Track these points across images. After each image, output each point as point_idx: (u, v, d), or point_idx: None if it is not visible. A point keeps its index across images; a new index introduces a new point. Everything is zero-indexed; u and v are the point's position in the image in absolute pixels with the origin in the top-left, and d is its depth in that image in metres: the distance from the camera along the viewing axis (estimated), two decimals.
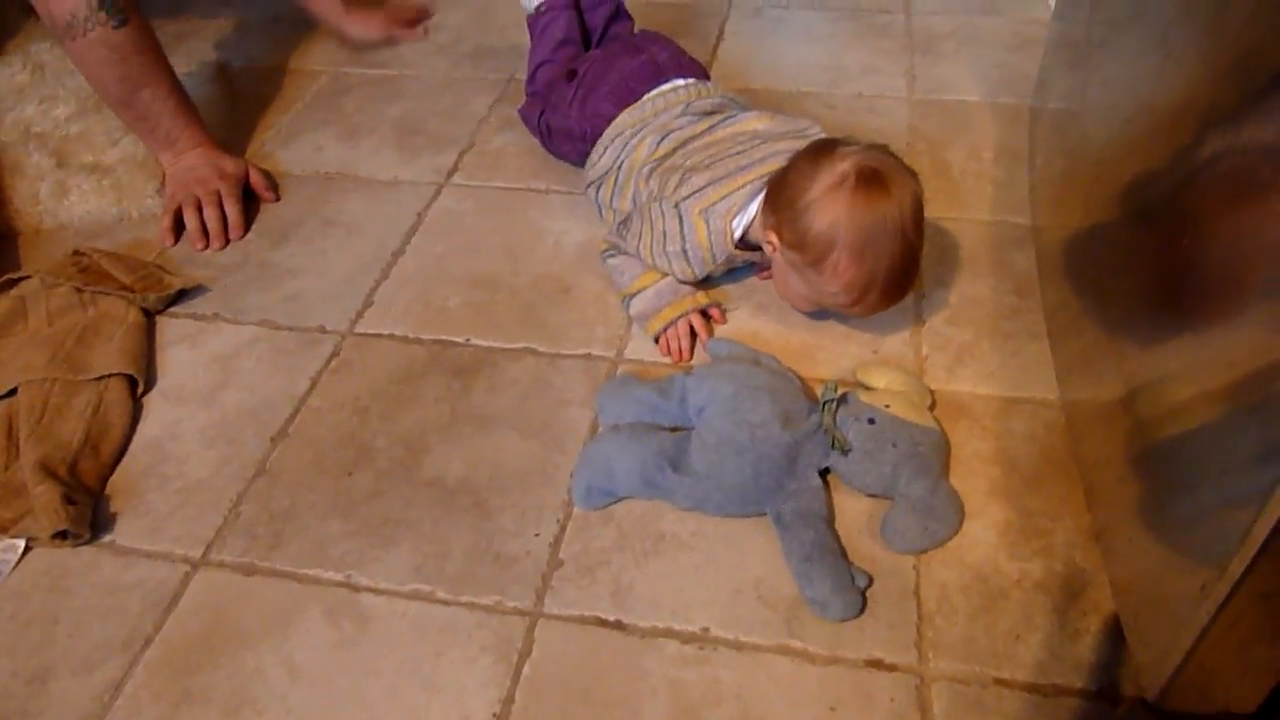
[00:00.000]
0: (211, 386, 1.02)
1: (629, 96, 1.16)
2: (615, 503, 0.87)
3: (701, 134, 1.09)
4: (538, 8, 1.32)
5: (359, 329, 1.08)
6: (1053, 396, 0.95)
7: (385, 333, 1.08)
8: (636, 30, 1.35)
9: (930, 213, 1.17)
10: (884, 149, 0.96)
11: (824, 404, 0.85)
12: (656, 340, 1.02)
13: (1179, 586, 0.63)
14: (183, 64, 1.50)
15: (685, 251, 1.01)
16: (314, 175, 1.34)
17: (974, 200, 1.21)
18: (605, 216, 1.17)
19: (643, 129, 1.13)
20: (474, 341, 1.06)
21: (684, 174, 1.04)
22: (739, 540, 0.83)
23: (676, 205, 1.01)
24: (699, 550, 0.83)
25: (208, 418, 0.99)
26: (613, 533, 0.85)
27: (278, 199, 1.28)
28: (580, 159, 1.23)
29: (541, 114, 1.26)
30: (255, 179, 1.27)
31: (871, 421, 0.85)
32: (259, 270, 1.17)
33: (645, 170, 1.09)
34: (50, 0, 1.09)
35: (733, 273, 1.10)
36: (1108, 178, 0.87)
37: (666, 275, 1.05)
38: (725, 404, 0.87)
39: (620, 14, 1.36)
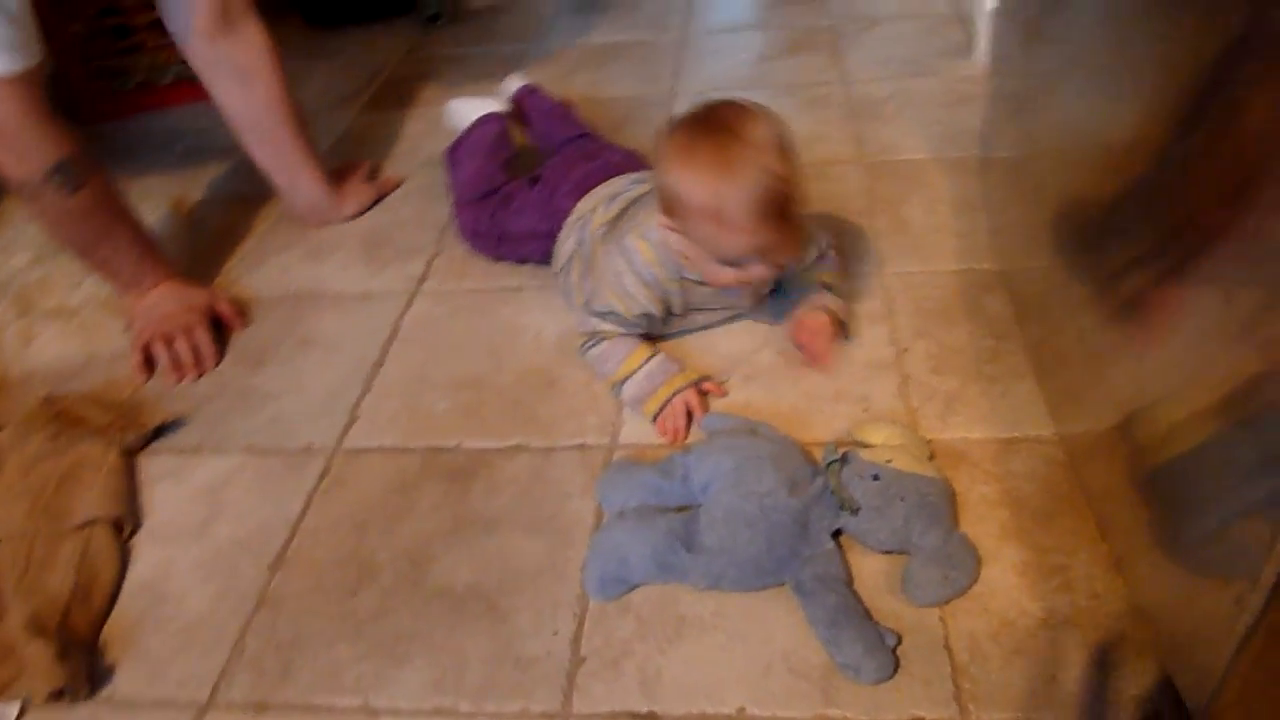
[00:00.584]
0: (201, 520, 1.00)
1: (587, 192, 1.19)
2: (630, 590, 0.85)
3: (647, 192, 1.12)
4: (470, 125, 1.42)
5: (347, 444, 1.07)
6: (1048, 432, 0.96)
7: (374, 445, 1.06)
8: (592, 142, 1.41)
9: (897, 267, 1.22)
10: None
11: (828, 465, 0.85)
12: (654, 420, 1.02)
13: (1211, 603, 0.63)
14: (143, 203, 1.51)
15: (640, 275, 1.03)
16: (284, 296, 1.34)
17: (938, 252, 1.24)
18: (576, 300, 1.18)
19: (596, 206, 1.16)
20: (465, 445, 1.05)
21: (628, 224, 1.08)
22: (761, 615, 0.82)
23: (618, 242, 1.06)
24: (722, 629, 0.81)
25: (200, 552, 0.96)
26: (632, 622, 0.83)
27: (245, 325, 1.28)
28: (543, 257, 1.25)
29: (492, 216, 1.28)
30: (222, 307, 1.27)
31: (876, 478, 0.85)
32: (238, 397, 1.16)
33: (600, 234, 1.13)
34: (2, 165, 1.09)
35: (716, 347, 1.11)
36: (1067, 215, 0.91)
37: (653, 356, 1.05)
38: (729, 477, 0.87)
39: (582, 136, 1.42)
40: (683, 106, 1.68)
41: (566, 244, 1.18)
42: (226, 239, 1.48)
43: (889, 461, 0.87)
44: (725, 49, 1.93)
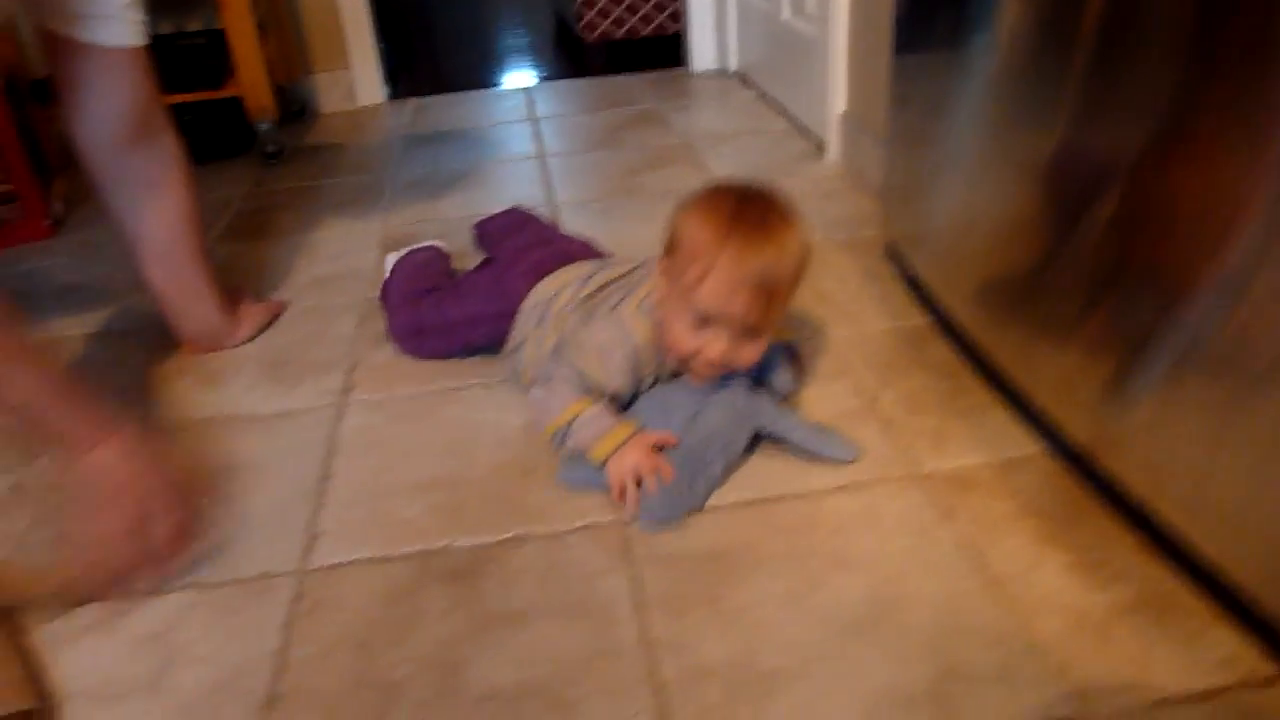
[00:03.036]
0: (153, 670, 0.83)
1: (543, 275, 1.17)
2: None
3: (626, 274, 1.12)
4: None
5: (315, 563, 0.94)
6: (1036, 450, 1.01)
7: (349, 559, 0.94)
8: (546, 228, 1.41)
9: (835, 332, 1.27)
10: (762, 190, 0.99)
11: None
12: (603, 465, 0.96)
13: None
14: None
15: (630, 357, 1.01)
16: (188, 425, 1.18)
17: (865, 315, 1.31)
18: (524, 379, 1.14)
19: (563, 288, 1.14)
20: (457, 544, 0.95)
21: (610, 300, 1.07)
22: (848, 652, 0.78)
23: (612, 311, 1.04)
24: (814, 675, 0.77)
25: (164, 708, 0.79)
26: (717, 687, 0.77)
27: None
28: (489, 341, 1.21)
29: (438, 307, 1.23)
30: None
31: None
32: None
33: (569, 308, 1.10)
34: None
35: None
36: (992, 265, 0.99)
37: (598, 404, 1.00)
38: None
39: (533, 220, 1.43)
40: (569, 215, 1.72)
41: (524, 325, 1.15)
42: (105, 376, 1.30)
43: None
44: (589, 166, 2.00)
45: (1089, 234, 0.86)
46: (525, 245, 1.26)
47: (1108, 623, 0.80)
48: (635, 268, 1.13)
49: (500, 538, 0.95)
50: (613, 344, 1.01)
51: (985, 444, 1.03)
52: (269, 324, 1.41)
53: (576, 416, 0.99)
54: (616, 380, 1.02)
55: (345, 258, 1.64)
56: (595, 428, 0.98)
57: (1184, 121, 0.74)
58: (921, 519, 0.93)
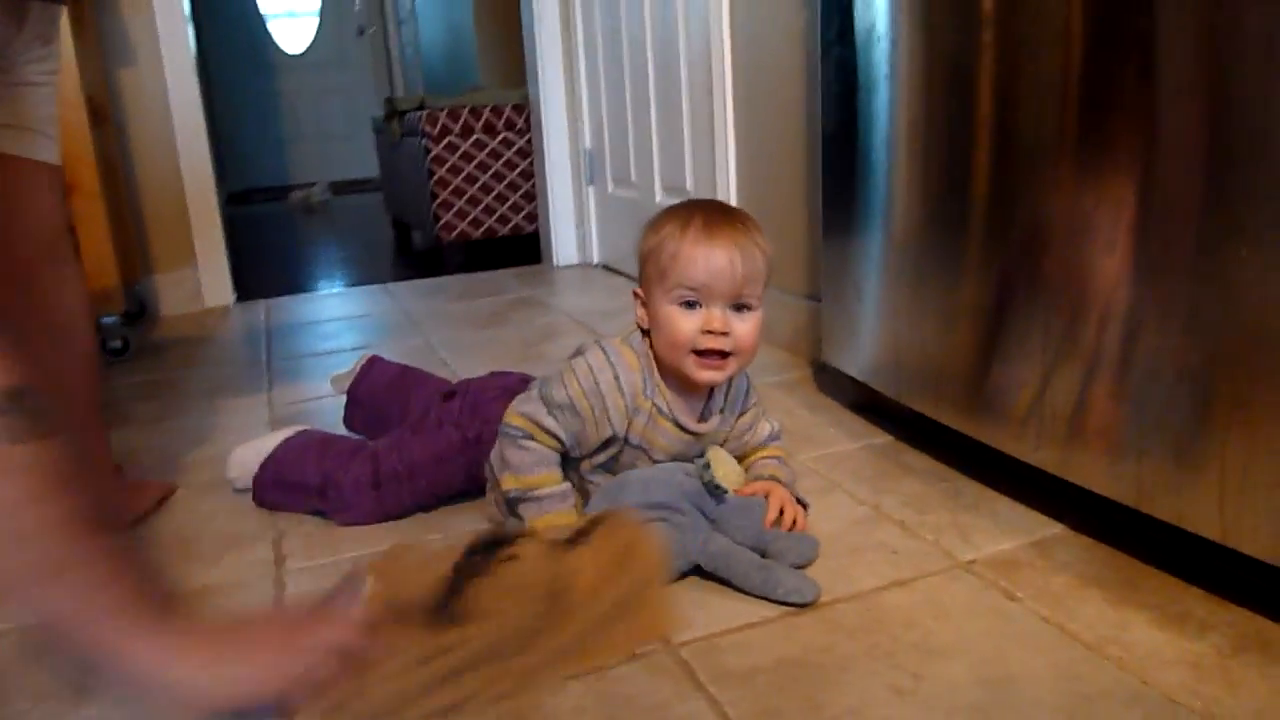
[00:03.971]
0: None
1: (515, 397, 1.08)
2: None
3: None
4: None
5: None
6: (1061, 528, 1.00)
7: None
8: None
9: (807, 454, 1.24)
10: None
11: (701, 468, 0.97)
12: None
13: None
14: None
15: (618, 379, 0.97)
16: None
17: (827, 438, 1.30)
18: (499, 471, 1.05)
19: None
20: (484, 694, 0.78)
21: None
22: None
23: (597, 343, 1.00)
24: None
25: None
26: None
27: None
28: (465, 479, 1.10)
29: (398, 451, 1.09)
30: None
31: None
32: None
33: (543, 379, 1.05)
34: None
35: None
36: (969, 366, 1.03)
37: (567, 484, 0.98)
38: (629, 501, 0.93)
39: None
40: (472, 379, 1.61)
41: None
42: None
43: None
44: (481, 344, 1.93)
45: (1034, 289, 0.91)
46: (486, 378, 1.16)
47: (1224, 667, 0.76)
48: None
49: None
50: (601, 367, 0.97)
51: (1010, 530, 1.01)
52: (159, 505, 1.20)
53: (536, 488, 0.97)
54: (606, 404, 0.97)
55: (234, 435, 1.44)
56: (540, 508, 0.97)
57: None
58: (987, 602, 0.88)
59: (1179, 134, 0.81)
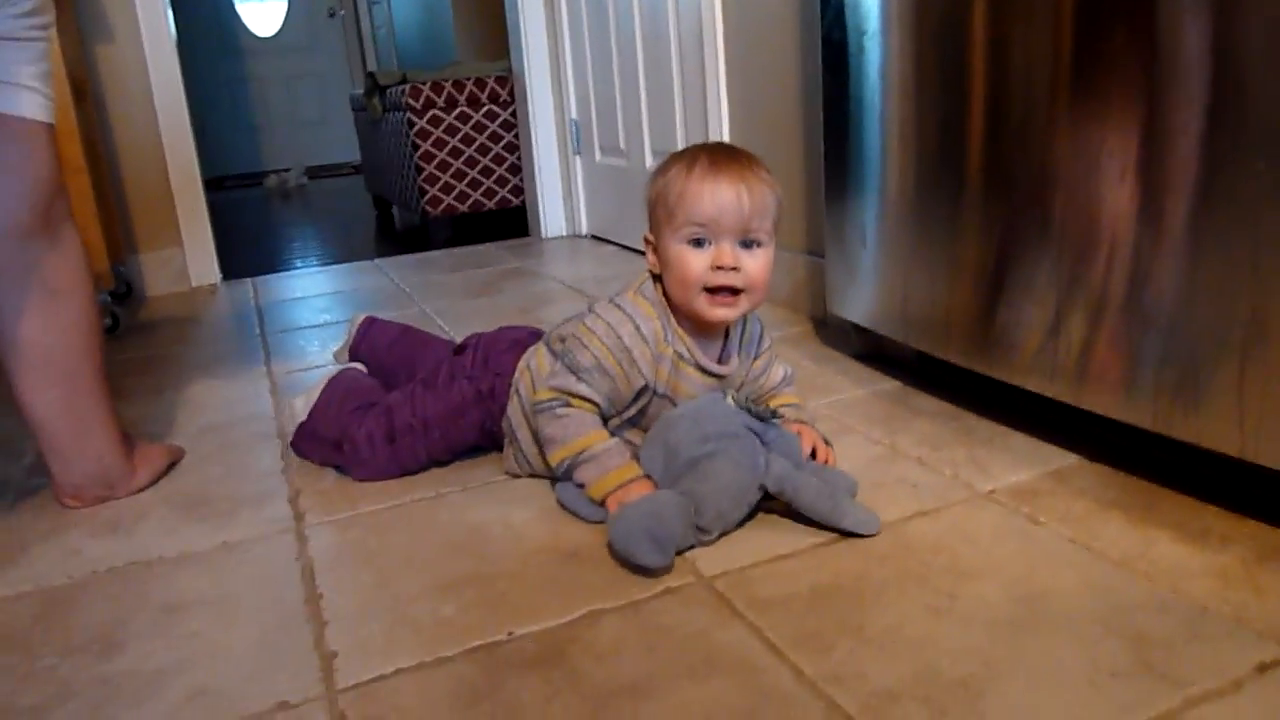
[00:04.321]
0: None
1: (526, 349, 1.08)
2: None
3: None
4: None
5: (343, 683, 0.74)
6: (1075, 458, 1.01)
7: (390, 670, 0.75)
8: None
9: (816, 400, 1.24)
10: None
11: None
12: (603, 502, 0.94)
13: None
14: None
15: (639, 329, 0.96)
16: (94, 577, 0.93)
17: (836, 386, 1.31)
18: (521, 432, 1.05)
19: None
20: (519, 631, 0.79)
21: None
22: (1031, 645, 0.70)
23: (610, 299, 1.00)
24: (1012, 672, 0.68)
25: None
26: (916, 706, 0.65)
27: None
28: (480, 433, 1.10)
29: (411, 407, 1.08)
30: None
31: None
32: (99, 687, 0.75)
33: (556, 330, 1.05)
34: None
35: None
36: (979, 302, 1.04)
37: (613, 438, 0.97)
38: (680, 443, 0.92)
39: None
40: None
41: (517, 394, 1.05)
42: None
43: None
44: (476, 311, 1.92)
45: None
46: (494, 332, 1.16)
47: (1249, 575, 0.78)
48: None
49: (569, 618, 0.80)
50: (620, 321, 0.97)
51: (1026, 462, 1.02)
52: (168, 469, 1.19)
53: (586, 449, 0.95)
54: (635, 356, 0.96)
55: (237, 405, 1.44)
56: (599, 466, 0.94)
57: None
58: (1012, 526, 0.89)
59: (1182, 48, 0.82)
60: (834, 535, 0.90)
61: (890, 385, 1.29)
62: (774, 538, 0.90)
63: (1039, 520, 0.90)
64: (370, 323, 1.34)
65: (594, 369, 0.96)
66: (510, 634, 0.78)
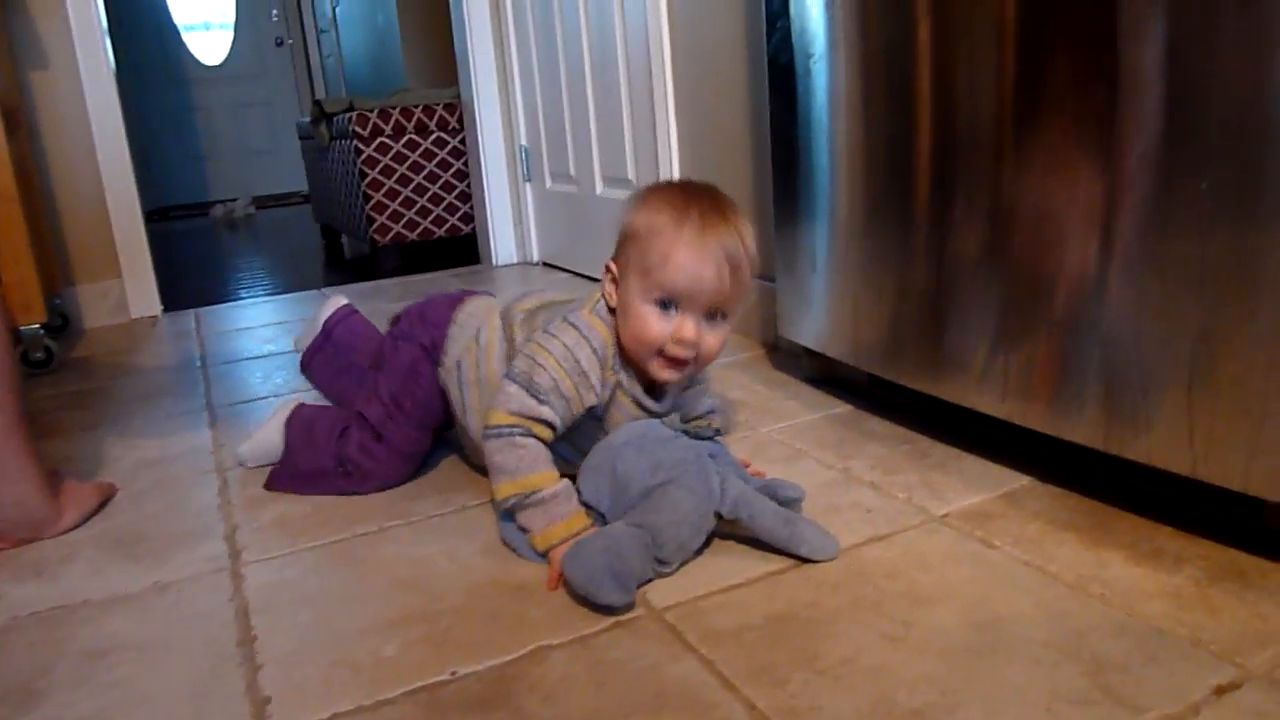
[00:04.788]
0: None
1: (461, 302, 1.13)
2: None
3: (566, 301, 1.06)
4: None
5: None
6: (1028, 480, 1.01)
7: (326, 715, 0.71)
8: None
9: (769, 425, 1.24)
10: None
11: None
12: (545, 555, 0.89)
13: None
14: None
15: (595, 352, 0.94)
16: (15, 622, 0.88)
17: (788, 410, 1.30)
18: (469, 399, 1.05)
19: (492, 311, 1.09)
20: (462, 670, 0.75)
21: (556, 316, 0.99)
22: (988, 672, 0.69)
23: (565, 319, 0.97)
24: (969, 699, 0.66)
25: None
26: None
27: None
28: (438, 393, 1.10)
29: (378, 394, 1.11)
30: None
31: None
32: None
33: (518, 319, 1.04)
34: None
35: None
36: (928, 328, 1.04)
37: (563, 481, 0.92)
38: (631, 478, 0.89)
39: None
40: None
41: (461, 336, 1.08)
42: None
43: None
44: None
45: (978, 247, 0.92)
46: (424, 299, 1.17)
47: (1204, 595, 0.77)
48: (574, 298, 1.07)
49: (515, 655, 0.77)
50: (577, 343, 0.94)
51: (978, 484, 1.01)
52: (99, 508, 1.13)
53: (536, 490, 0.90)
54: (591, 380, 0.94)
55: (175, 439, 1.39)
56: (547, 514, 0.90)
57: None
58: (966, 550, 0.88)
59: (1126, 69, 0.83)
60: (788, 561, 0.88)
61: (842, 409, 1.29)
62: (727, 565, 0.88)
63: (993, 544, 0.89)
64: (352, 311, 1.35)
65: (552, 391, 0.93)
66: (454, 673, 0.75)
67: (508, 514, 0.93)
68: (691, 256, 0.89)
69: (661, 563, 0.86)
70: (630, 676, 0.73)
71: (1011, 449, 1.07)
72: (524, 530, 0.91)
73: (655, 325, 0.92)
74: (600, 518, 0.91)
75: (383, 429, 1.09)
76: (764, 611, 0.80)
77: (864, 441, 1.16)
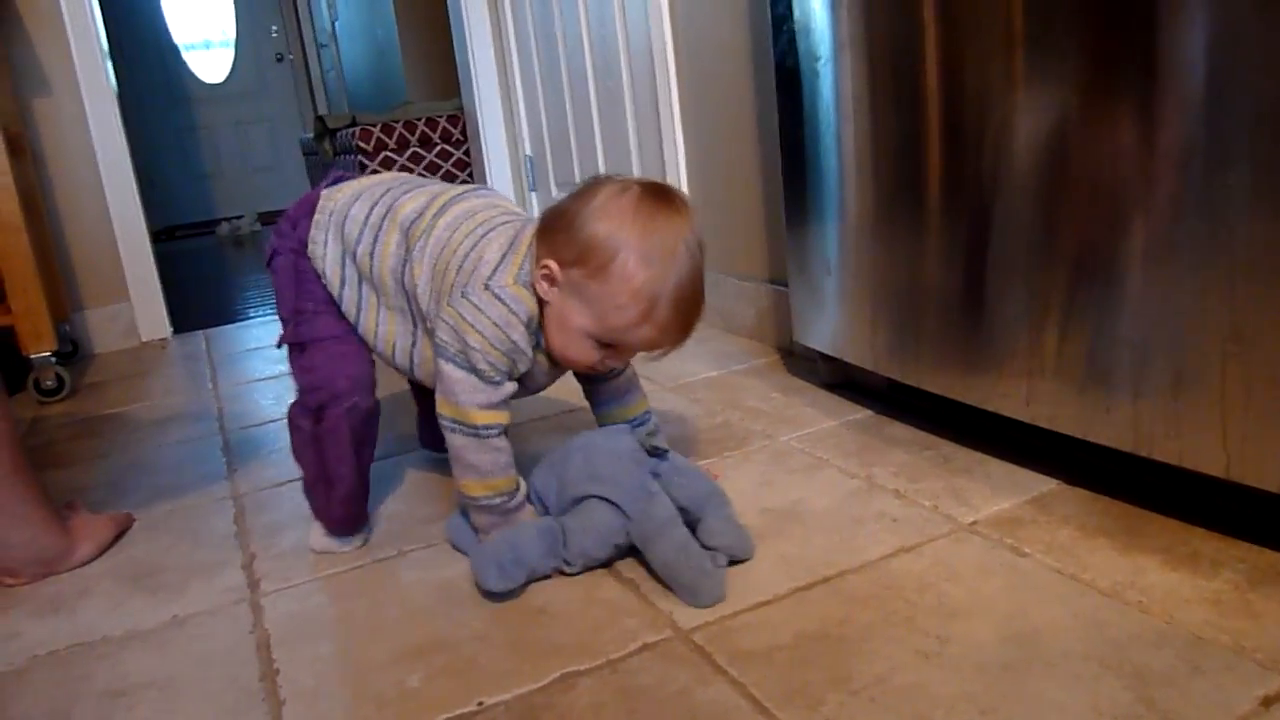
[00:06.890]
0: None
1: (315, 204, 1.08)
2: (528, 581, 0.89)
3: (453, 200, 0.99)
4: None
5: None
6: (1055, 484, 0.99)
7: None
8: None
9: (788, 434, 1.22)
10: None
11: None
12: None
13: None
14: None
15: (526, 324, 0.90)
16: (35, 662, 0.87)
17: (806, 419, 1.28)
18: (425, 293, 0.96)
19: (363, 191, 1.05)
20: (489, 700, 0.74)
21: (467, 256, 0.92)
22: (1028, 688, 0.67)
23: (488, 288, 0.89)
24: (1011, 717, 0.65)
25: None
26: None
27: None
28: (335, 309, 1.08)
29: (296, 363, 1.11)
30: None
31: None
32: None
33: (431, 215, 0.97)
34: None
35: None
36: (948, 329, 1.02)
37: (520, 488, 0.95)
38: (572, 474, 0.93)
39: None
40: None
41: (332, 226, 1.05)
42: None
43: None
44: None
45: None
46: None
47: (1244, 601, 0.75)
48: (458, 195, 1.00)
49: (542, 682, 0.75)
50: (508, 322, 0.89)
51: (1006, 490, 1.00)
52: (115, 540, 1.12)
53: (502, 494, 0.93)
54: (526, 356, 0.92)
55: (189, 466, 1.38)
56: (503, 518, 0.94)
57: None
58: (997, 560, 0.86)
59: (1145, 64, 0.81)
60: (816, 575, 0.87)
61: (862, 415, 1.27)
62: (751, 581, 0.87)
63: (1024, 551, 0.87)
64: None
65: (494, 369, 0.90)
66: (480, 704, 0.74)
67: (464, 511, 0.97)
68: (657, 337, 0.89)
69: (566, 562, 0.91)
70: (661, 702, 0.71)
71: (1036, 451, 1.05)
72: (474, 528, 0.96)
73: (589, 353, 0.92)
74: (545, 510, 0.95)
75: (300, 338, 1.06)
76: (794, 629, 0.79)
77: (885, 448, 1.15)
